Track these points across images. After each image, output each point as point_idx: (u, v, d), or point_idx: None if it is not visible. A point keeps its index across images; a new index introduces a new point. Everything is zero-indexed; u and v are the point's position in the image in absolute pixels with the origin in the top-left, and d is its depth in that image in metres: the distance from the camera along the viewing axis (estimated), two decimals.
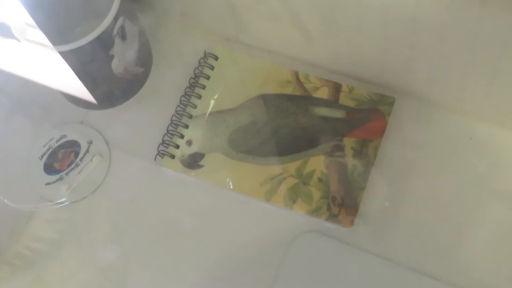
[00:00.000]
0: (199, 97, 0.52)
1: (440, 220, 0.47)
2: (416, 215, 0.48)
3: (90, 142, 0.52)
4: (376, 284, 0.46)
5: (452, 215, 0.47)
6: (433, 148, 0.50)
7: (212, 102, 0.52)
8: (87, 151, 0.51)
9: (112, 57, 0.49)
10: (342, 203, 0.47)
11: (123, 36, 0.49)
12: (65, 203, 0.51)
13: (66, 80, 0.52)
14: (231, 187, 0.49)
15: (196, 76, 0.53)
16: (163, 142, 0.51)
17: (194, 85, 0.53)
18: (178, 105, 0.52)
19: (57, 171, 0.51)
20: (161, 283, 0.48)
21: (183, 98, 0.53)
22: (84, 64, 0.49)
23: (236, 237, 0.48)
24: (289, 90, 0.52)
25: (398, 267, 0.46)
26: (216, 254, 0.48)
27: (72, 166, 0.51)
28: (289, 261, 0.46)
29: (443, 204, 0.48)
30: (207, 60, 0.54)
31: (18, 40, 0.47)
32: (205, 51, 0.54)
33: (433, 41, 0.45)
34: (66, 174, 0.51)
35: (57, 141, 0.52)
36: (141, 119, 0.53)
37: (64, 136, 0.52)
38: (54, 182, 0.51)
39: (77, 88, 0.52)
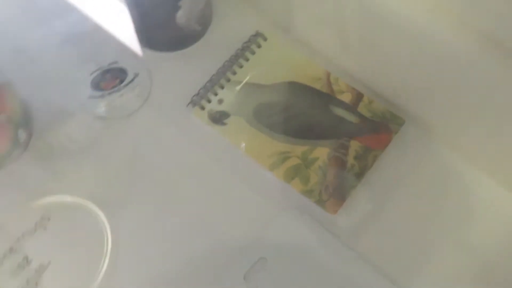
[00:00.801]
0: (241, 66, 0.59)
1: (412, 237, 0.52)
2: (393, 225, 0.52)
3: (136, 75, 0.58)
4: (340, 272, 0.50)
5: (424, 237, 0.52)
6: (424, 175, 0.55)
7: (250, 74, 0.58)
8: (131, 81, 0.57)
9: (179, 7, 0.55)
10: (333, 193, 0.53)
11: None
12: (100, 118, 0.57)
13: (131, 16, 0.58)
14: (243, 149, 0.55)
15: (243, 49, 0.60)
16: (198, 94, 0.58)
17: (239, 55, 0.59)
18: (220, 68, 0.59)
19: (101, 89, 0.57)
20: (157, 215, 0.53)
21: (226, 63, 0.59)
22: (153, 6, 0.55)
23: (234, 193, 0.54)
24: (317, 86, 0.58)
25: (365, 264, 0.50)
26: (209, 204, 0.54)
27: (115, 89, 0.57)
28: (273, 228, 0.52)
29: (418, 225, 0.53)
30: (257, 38, 0.60)
31: None
32: (257, 31, 0.61)
33: (452, 80, 0.50)
34: (109, 94, 0.57)
35: (108, 64, 0.58)
36: (185, 70, 0.59)
37: (116, 62, 0.58)
38: (96, 97, 0.57)
39: (139, 26, 0.59)
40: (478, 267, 0.51)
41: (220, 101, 0.57)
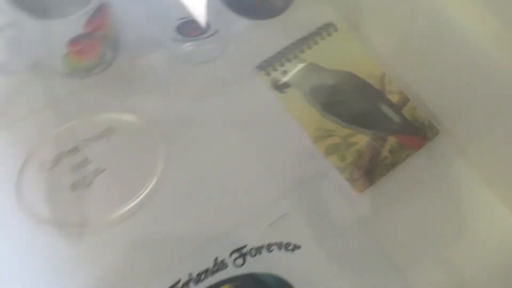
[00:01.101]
0: (309, 47, 0.66)
1: (414, 236, 0.57)
2: (403, 218, 0.58)
3: (217, 31, 0.64)
4: (350, 247, 0.56)
5: (422, 242, 0.57)
6: (443, 185, 0.60)
7: (315, 56, 0.65)
8: (212, 35, 0.63)
9: None
10: (363, 175, 0.59)
11: None
12: (177, 59, 0.64)
13: None
14: (295, 117, 0.62)
15: (315, 33, 0.67)
16: (266, 60, 0.64)
17: (310, 38, 0.66)
18: (291, 44, 0.66)
19: (184, 35, 0.63)
20: (206, 156, 0.60)
21: (297, 41, 0.66)
22: None
23: (275, 153, 0.60)
24: (372, 81, 0.64)
25: (374, 244, 0.56)
26: (251, 157, 0.60)
27: (196, 38, 0.63)
28: (303, 191, 0.58)
29: (422, 229, 0.57)
30: (329, 27, 0.67)
31: None
32: (331, 21, 0.68)
33: (492, 106, 0.56)
34: (190, 41, 0.63)
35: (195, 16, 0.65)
36: (260, 38, 0.66)
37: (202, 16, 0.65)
38: (178, 40, 0.63)
39: None
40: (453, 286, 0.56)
41: (284, 72, 0.64)
